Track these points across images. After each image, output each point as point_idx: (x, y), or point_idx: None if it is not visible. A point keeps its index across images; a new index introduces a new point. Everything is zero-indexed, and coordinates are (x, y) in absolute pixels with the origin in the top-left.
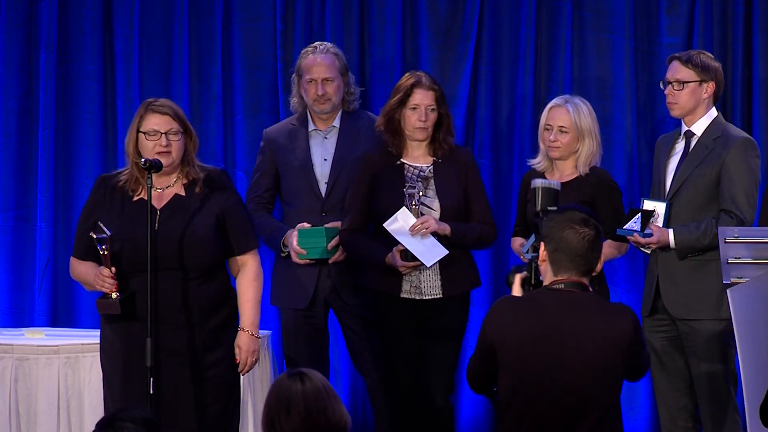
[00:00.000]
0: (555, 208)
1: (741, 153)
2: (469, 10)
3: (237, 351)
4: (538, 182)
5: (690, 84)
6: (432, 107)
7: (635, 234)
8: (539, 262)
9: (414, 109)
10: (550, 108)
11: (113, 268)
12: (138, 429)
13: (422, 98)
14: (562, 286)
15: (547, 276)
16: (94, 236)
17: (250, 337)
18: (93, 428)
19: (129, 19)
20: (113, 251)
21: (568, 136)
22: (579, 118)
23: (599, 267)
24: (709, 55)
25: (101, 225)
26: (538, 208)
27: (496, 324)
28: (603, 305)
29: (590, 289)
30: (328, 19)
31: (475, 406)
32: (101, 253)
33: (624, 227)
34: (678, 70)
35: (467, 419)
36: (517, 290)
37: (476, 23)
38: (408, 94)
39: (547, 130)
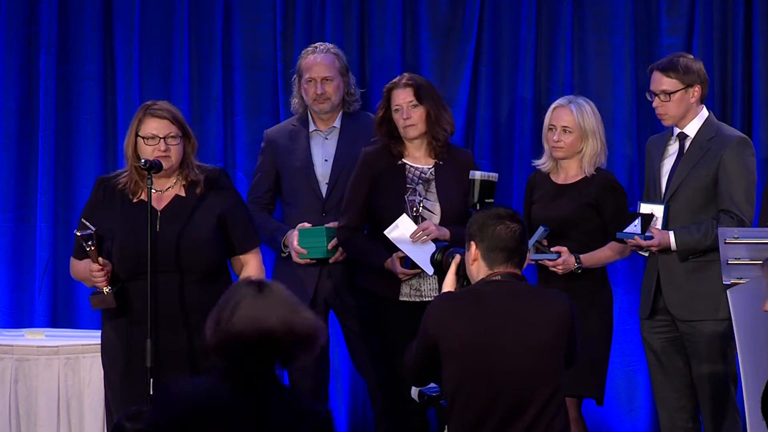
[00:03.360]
0: (491, 201)
1: (738, 153)
2: (469, 12)
3: None
4: (476, 174)
5: (676, 93)
6: (412, 103)
7: (636, 237)
8: (470, 263)
9: (397, 110)
10: (554, 108)
11: (101, 259)
12: None
13: (400, 97)
14: (499, 277)
15: (481, 272)
16: (78, 234)
17: None
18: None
19: (129, 20)
20: (107, 247)
21: (571, 136)
22: (582, 118)
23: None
24: (689, 56)
25: (84, 221)
26: (476, 200)
27: (437, 319)
28: (540, 291)
29: (524, 279)
30: (328, 21)
31: None
32: (87, 249)
33: (624, 230)
34: (661, 81)
35: None
36: (451, 275)
37: (476, 24)
38: (388, 98)
39: (551, 130)
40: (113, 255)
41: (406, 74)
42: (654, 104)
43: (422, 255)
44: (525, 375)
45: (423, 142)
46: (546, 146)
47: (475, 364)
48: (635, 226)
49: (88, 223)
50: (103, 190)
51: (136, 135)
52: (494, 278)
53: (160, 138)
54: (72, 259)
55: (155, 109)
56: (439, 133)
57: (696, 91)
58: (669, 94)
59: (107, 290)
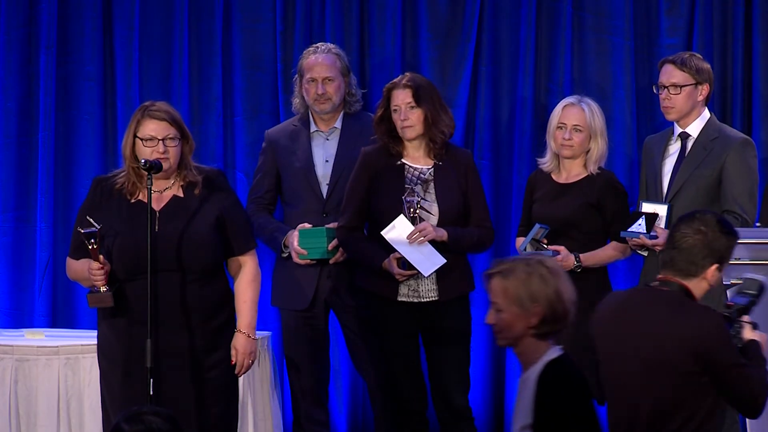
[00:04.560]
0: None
1: (741, 154)
2: (469, 12)
3: (233, 353)
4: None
5: (686, 87)
6: (410, 104)
7: (641, 236)
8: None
9: (395, 111)
10: (564, 107)
11: (101, 257)
12: (164, 423)
13: (399, 98)
14: (657, 283)
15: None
16: (82, 231)
17: (247, 339)
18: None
19: (129, 20)
20: (107, 247)
21: (581, 135)
22: (593, 117)
23: (711, 277)
24: (699, 56)
25: (90, 219)
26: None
27: (595, 316)
28: (686, 305)
29: (689, 290)
30: (328, 21)
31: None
32: (90, 247)
33: (628, 230)
34: (673, 74)
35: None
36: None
37: (476, 24)
38: (387, 98)
39: (560, 128)
40: (112, 254)
41: (407, 74)
42: (662, 97)
43: (419, 256)
44: (636, 391)
45: (422, 143)
46: (553, 144)
47: (608, 370)
48: (640, 226)
49: (93, 221)
50: (100, 190)
51: (134, 136)
52: (653, 283)
53: (159, 140)
54: (68, 258)
55: (153, 110)
56: (436, 136)
57: (704, 90)
58: (679, 87)
59: (104, 289)
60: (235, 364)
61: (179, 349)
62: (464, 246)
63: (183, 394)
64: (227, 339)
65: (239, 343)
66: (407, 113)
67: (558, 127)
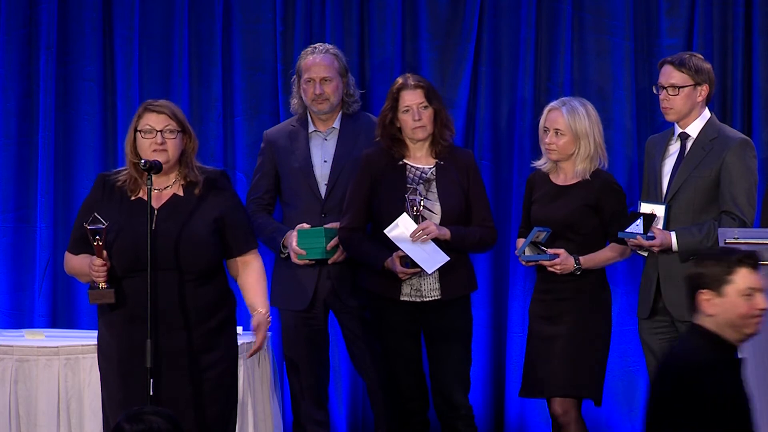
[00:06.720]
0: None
1: (740, 154)
2: (469, 12)
3: (256, 330)
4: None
5: (685, 88)
6: (423, 104)
7: (638, 237)
8: None
9: (406, 111)
10: (548, 111)
11: (105, 253)
12: (165, 423)
13: (411, 98)
14: None
15: None
16: (89, 227)
17: (265, 318)
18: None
19: (129, 20)
20: (107, 243)
21: (563, 138)
22: (574, 120)
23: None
24: (700, 56)
25: (97, 216)
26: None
27: None
28: None
29: None
30: (328, 21)
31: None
32: (95, 243)
33: (626, 230)
34: (672, 75)
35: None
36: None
37: (476, 25)
38: (396, 98)
39: (545, 132)
40: (110, 250)
41: (411, 75)
42: (661, 97)
43: (422, 254)
44: None
45: (425, 143)
46: (542, 148)
47: None
48: (637, 226)
49: (100, 218)
50: (102, 186)
51: (135, 131)
52: None
53: (157, 131)
54: (67, 253)
55: (154, 105)
56: (445, 134)
57: (703, 91)
58: (678, 88)
59: (105, 286)
60: (251, 348)
61: (176, 349)
62: (467, 245)
63: (180, 393)
64: (225, 339)
65: (262, 322)
66: (420, 113)
67: (543, 131)
